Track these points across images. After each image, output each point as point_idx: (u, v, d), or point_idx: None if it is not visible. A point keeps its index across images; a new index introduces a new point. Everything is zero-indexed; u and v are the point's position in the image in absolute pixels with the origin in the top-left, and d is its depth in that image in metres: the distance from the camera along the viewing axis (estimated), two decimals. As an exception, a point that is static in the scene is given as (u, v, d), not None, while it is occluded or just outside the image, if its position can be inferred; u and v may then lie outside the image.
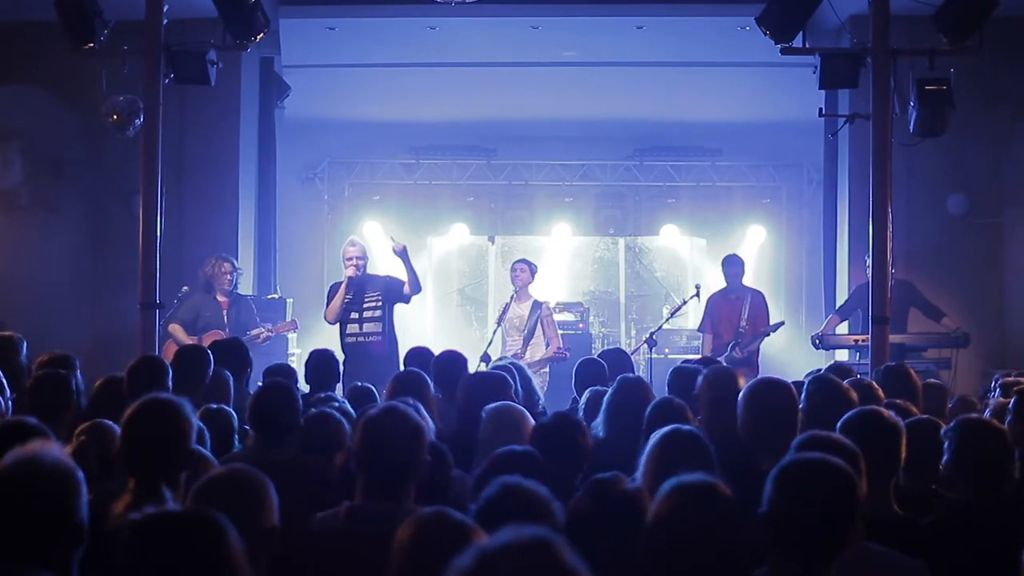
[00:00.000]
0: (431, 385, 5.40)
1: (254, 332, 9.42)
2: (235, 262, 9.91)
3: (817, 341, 9.65)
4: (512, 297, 9.87)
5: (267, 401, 4.62)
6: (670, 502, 2.75)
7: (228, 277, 9.66)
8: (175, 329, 9.32)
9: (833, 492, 2.77)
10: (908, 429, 4.22)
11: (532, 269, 9.97)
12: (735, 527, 2.75)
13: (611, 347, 9.28)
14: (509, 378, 5.43)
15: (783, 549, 2.77)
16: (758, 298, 10.04)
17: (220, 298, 9.63)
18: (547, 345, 9.60)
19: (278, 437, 4.49)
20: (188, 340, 8.84)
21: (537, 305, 9.72)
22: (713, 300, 10.14)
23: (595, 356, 7.43)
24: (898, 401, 4.87)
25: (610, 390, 5.12)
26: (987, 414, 5.15)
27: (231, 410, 5.03)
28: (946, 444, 3.99)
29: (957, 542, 3.62)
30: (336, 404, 4.96)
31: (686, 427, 3.73)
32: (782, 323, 10.16)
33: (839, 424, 3.81)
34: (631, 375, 5.56)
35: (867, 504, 3.33)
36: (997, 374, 6.52)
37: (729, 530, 2.74)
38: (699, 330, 10.41)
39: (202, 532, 2.37)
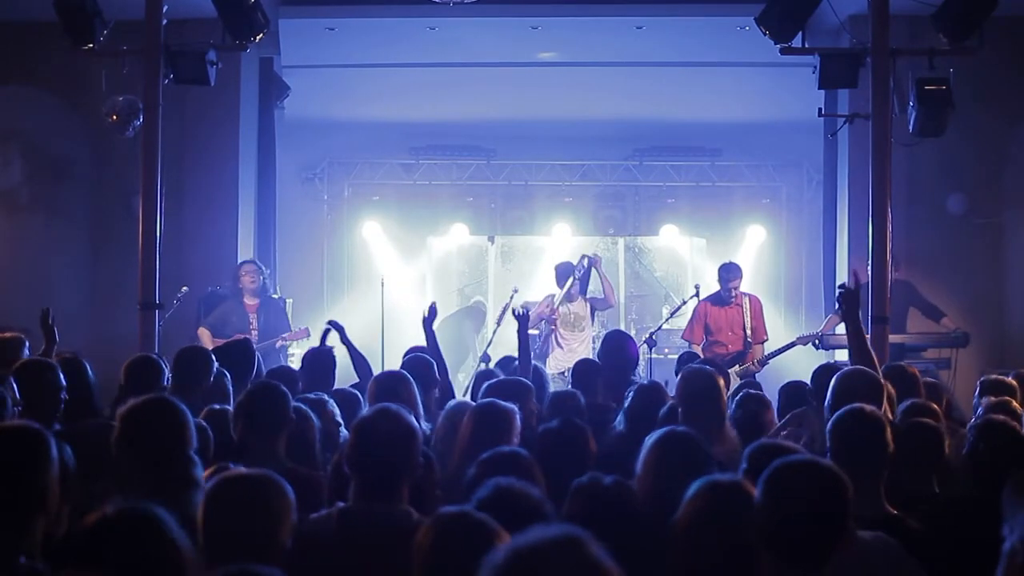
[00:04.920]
0: (414, 385, 5.39)
1: (269, 341, 9.55)
2: (259, 265, 10.08)
3: (817, 341, 9.62)
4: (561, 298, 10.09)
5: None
6: (700, 501, 2.80)
7: (249, 279, 9.87)
8: (202, 333, 9.56)
9: (822, 493, 2.79)
10: (910, 430, 4.25)
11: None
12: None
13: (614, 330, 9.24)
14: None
15: (775, 551, 2.78)
16: (756, 304, 9.79)
17: (249, 301, 9.86)
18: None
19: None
20: (213, 344, 8.94)
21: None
22: (706, 308, 9.75)
23: (599, 349, 7.51)
24: (920, 402, 4.92)
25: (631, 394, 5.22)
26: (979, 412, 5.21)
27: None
28: (968, 440, 4.01)
29: (950, 541, 3.63)
30: (327, 405, 4.96)
31: (680, 429, 3.75)
32: (816, 335, 9.72)
33: (829, 425, 3.83)
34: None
35: (857, 504, 3.38)
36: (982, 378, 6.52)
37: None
38: (686, 338, 9.91)
39: (143, 531, 2.37)
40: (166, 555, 2.34)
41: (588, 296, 10.39)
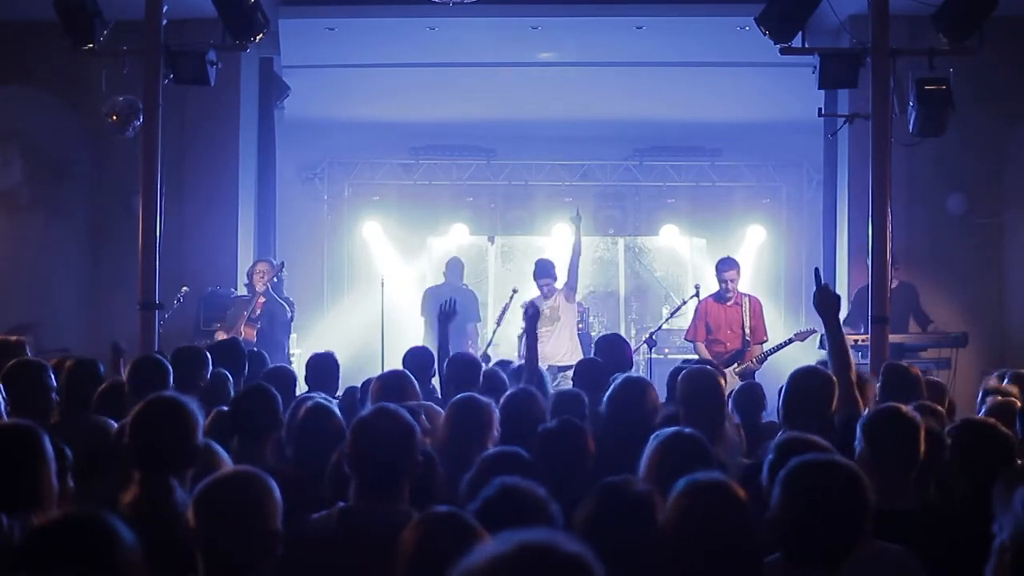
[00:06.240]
0: (416, 385, 5.40)
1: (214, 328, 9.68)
2: (272, 263, 10.09)
3: (820, 342, 9.61)
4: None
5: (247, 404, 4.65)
6: (684, 501, 2.78)
7: (257, 277, 9.90)
8: (219, 336, 9.49)
9: (840, 493, 2.79)
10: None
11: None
12: (746, 523, 2.78)
13: (608, 333, 9.19)
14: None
15: (793, 551, 2.77)
16: (756, 304, 9.73)
17: (259, 299, 9.87)
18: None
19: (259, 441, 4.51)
20: None
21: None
22: (707, 306, 9.71)
23: (593, 353, 7.44)
24: (927, 403, 4.94)
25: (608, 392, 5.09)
26: (982, 412, 5.23)
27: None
28: (950, 442, 4.04)
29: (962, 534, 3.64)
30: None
31: (687, 430, 3.74)
32: (813, 331, 9.55)
33: (861, 422, 3.87)
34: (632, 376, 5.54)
35: (890, 498, 3.44)
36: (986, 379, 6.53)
37: (741, 527, 2.77)
38: (689, 338, 9.89)
39: (87, 536, 2.35)
40: (115, 562, 2.33)
41: (564, 287, 10.30)
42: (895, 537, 3.31)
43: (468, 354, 6.35)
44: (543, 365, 9.56)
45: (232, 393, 5.75)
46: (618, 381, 5.00)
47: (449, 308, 6.91)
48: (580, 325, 12.08)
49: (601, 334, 10.30)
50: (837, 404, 4.57)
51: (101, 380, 5.50)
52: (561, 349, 9.98)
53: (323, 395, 5.31)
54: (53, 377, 5.06)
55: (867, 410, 4.22)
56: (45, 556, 2.31)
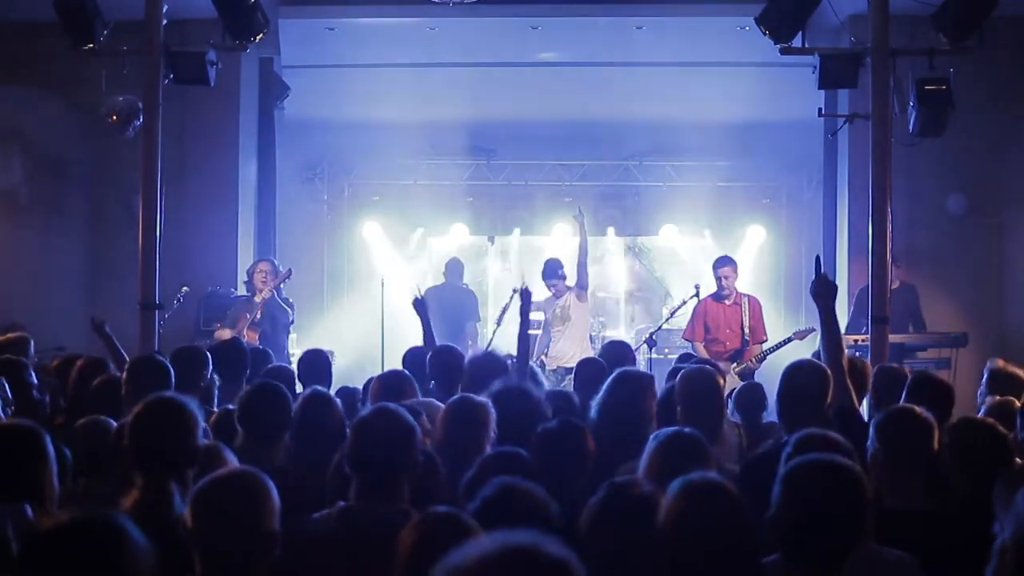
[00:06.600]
0: (416, 385, 5.40)
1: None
2: (274, 264, 10.06)
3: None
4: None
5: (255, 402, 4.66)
6: (679, 502, 2.78)
7: (260, 277, 9.84)
8: (221, 334, 9.44)
9: (843, 492, 2.79)
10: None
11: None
12: (742, 523, 2.78)
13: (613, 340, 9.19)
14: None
15: (794, 551, 2.77)
16: (756, 304, 9.73)
17: (257, 300, 9.80)
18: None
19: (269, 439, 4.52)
20: None
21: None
22: (706, 306, 9.71)
23: (596, 356, 7.44)
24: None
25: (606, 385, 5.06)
26: (982, 412, 5.24)
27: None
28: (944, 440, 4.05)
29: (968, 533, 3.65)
30: None
31: (687, 429, 3.75)
32: (813, 329, 9.50)
33: (874, 422, 3.88)
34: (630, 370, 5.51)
35: (902, 499, 3.49)
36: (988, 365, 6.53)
37: (736, 526, 2.77)
38: (687, 337, 9.88)
39: (98, 539, 2.34)
40: (124, 564, 2.31)
41: (575, 287, 10.25)
42: (907, 537, 3.31)
43: (451, 348, 6.28)
44: (552, 366, 9.61)
45: (217, 397, 5.76)
46: (613, 375, 4.98)
47: (421, 300, 7.19)
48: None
49: (607, 341, 10.25)
50: (831, 395, 4.59)
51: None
52: (571, 350, 9.82)
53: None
54: (34, 375, 5.09)
55: (870, 407, 4.24)
56: (52, 558, 2.30)
